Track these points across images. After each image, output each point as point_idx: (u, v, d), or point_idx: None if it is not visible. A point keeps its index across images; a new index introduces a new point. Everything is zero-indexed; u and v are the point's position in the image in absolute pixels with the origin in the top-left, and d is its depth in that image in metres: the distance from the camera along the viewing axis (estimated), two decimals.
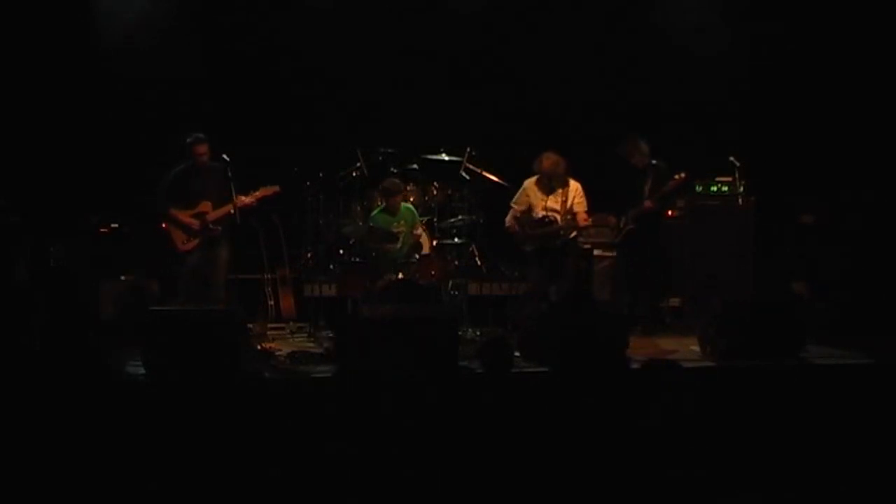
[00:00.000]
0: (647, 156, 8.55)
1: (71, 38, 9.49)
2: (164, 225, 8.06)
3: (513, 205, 8.49)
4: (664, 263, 8.70)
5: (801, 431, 5.54)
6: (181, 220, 8.05)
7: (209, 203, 8.08)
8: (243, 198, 7.99)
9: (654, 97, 9.87)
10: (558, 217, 8.27)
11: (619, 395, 5.00)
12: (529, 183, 8.44)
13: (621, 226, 8.65)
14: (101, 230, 8.99)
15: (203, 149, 8.07)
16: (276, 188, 8.17)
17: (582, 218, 8.24)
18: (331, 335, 8.28)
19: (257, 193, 8.08)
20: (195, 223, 8.05)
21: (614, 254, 9.12)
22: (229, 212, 7.99)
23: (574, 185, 8.30)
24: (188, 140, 8.09)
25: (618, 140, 8.76)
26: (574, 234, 8.38)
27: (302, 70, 9.90)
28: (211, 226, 8.07)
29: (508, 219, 8.51)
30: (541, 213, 8.33)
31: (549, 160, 8.26)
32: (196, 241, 8.07)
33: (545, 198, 8.32)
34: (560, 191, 8.28)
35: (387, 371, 6.57)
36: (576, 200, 8.26)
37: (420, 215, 8.75)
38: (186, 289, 8.04)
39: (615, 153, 8.68)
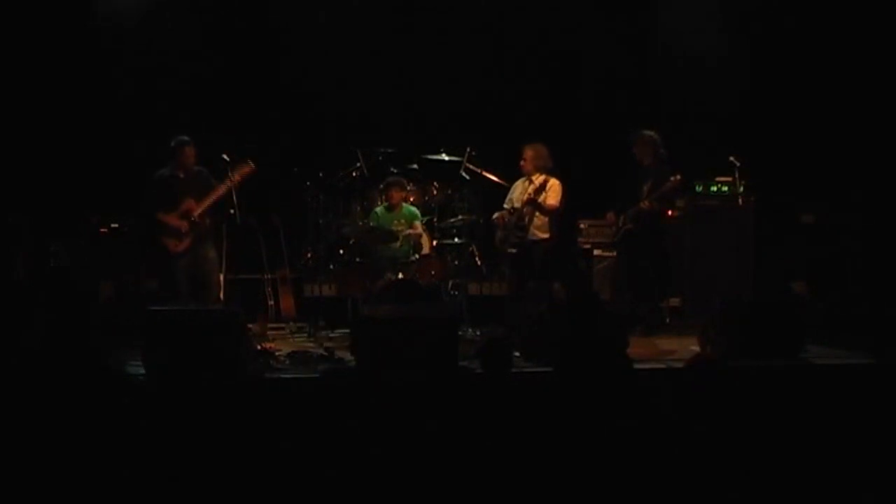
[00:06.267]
0: (653, 156, 8.50)
1: (72, 38, 9.49)
2: (155, 232, 8.05)
3: (505, 204, 8.54)
4: (664, 263, 8.69)
5: (801, 431, 5.54)
6: (170, 223, 8.02)
7: (192, 200, 8.02)
8: (223, 185, 7.89)
9: (654, 97, 9.88)
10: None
11: (619, 395, 5.00)
12: (519, 181, 8.47)
13: (619, 224, 8.64)
14: (101, 230, 8.99)
15: (190, 151, 8.01)
16: (251, 165, 7.99)
17: (527, 201, 8.16)
18: (331, 335, 8.29)
19: (236, 177, 7.93)
20: (183, 224, 8.01)
21: (614, 254, 9.12)
22: (213, 201, 7.92)
23: (552, 182, 8.25)
24: (173, 143, 8.03)
25: (616, 140, 8.76)
26: (548, 236, 8.32)
27: (302, 70, 9.90)
28: (197, 220, 8.00)
29: (496, 214, 8.54)
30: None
31: (530, 149, 8.30)
32: (187, 241, 8.06)
33: (524, 192, 8.32)
34: (538, 186, 8.23)
35: (387, 371, 6.56)
36: (549, 196, 8.20)
37: (420, 215, 8.75)
38: (183, 290, 8.04)
39: (621, 145, 8.66)
